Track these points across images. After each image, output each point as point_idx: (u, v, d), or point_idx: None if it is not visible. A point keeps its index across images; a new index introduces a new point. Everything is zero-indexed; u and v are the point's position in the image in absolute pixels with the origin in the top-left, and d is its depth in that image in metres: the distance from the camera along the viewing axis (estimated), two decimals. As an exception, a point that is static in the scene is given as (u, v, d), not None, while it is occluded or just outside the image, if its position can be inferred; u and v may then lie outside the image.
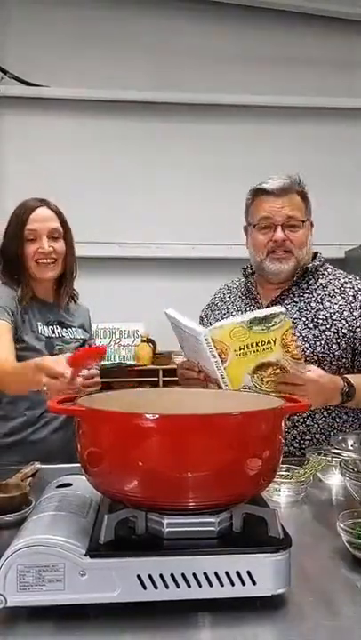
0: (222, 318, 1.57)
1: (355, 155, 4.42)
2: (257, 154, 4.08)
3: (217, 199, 4.16)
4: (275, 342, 1.25)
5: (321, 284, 1.55)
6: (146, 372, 3.86)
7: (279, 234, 1.48)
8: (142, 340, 3.89)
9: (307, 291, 1.54)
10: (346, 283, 1.55)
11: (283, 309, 1.27)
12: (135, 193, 4.16)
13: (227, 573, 0.71)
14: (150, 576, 0.71)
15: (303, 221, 1.51)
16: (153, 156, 4.20)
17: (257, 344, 1.25)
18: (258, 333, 1.25)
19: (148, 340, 3.94)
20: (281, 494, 1.12)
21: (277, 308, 1.27)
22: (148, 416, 0.72)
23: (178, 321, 1.30)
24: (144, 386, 3.60)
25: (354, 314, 1.48)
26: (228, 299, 1.67)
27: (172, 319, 1.34)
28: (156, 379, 3.83)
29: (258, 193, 1.53)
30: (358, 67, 4.45)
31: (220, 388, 1.27)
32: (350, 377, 1.39)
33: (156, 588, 0.71)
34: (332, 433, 1.47)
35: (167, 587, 0.71)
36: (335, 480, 1.23)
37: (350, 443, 1.16)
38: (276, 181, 1.51)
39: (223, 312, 1.64)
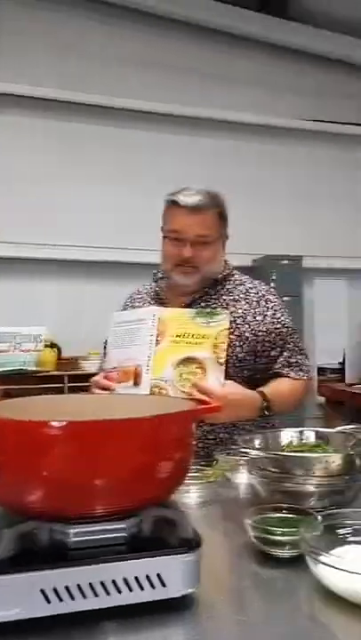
0: None
1: (269, 168, 4.67)
2: (171, 162, 4.16)
3: (124, 203, 4.15)
4: (208, 339, 1.33)
5: (228, 289, 1.59)
6: (50, 379, 3.74)
7: (187, 252, 1.49)
8: (46, 345, 3.75)
9: (214, 296, 1.57)
10: (251, 288, 1.59)
11: (228, 312, 1.40)
12: (37, 192, 4.04)
13: (136, 578, 0.69)
14: (55, 589, 0.66)
15: (215, 238, 1.52)
16: (65, 156, 4.14)
17: (193, 335, 1.34)
18: (198, 325, 1.36)
19: (52, 345, 3.81)
20: (191, 495, 1.12)
21: (224, 310, 1.41)
22: (54, 424, 0.69)
23: (127, 315, 1.50)
24: (49, 392, 3.48)
25: (257, 318, 1.53)
26: (137, 304, 1.67)
27: (118, 319, 1.48)
28: (62, 385, 3.72)
29: (171, 204, 1.51)
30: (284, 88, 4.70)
31: (135, 382, 1.28)
32: (267, 390, 1.43)
33: (60, 600, 0.67)
34: (235, 431, 1.49)
35: (73, 598, 0.67)
36: (243, 479, 1.24)
37: (257, 442, 1.18)
38: (192, 197, 1.48)
39: None
